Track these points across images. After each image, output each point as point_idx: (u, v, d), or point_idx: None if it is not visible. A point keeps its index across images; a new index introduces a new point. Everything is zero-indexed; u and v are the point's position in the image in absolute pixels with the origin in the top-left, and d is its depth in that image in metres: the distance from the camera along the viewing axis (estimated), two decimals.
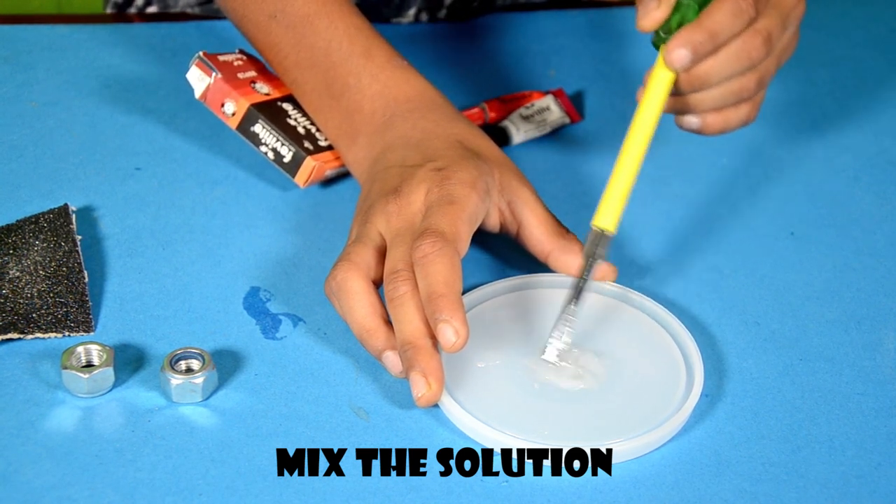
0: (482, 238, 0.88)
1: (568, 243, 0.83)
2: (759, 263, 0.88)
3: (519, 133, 0.97)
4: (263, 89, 0.92)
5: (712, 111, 0.83)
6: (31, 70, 1.02)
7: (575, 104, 1.02)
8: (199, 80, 0.91)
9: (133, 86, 1.01)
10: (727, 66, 0.81)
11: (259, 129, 0.90)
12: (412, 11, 1.09)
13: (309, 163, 0.89)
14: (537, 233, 0.83)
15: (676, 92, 0.82)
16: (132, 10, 1.13)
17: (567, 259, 0.83)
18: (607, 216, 0.78)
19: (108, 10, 1.15)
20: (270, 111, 0.91)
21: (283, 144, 0.89)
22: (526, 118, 0.98)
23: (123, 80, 1.01)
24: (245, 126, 0.90)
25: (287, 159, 0.89)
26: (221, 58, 0.92)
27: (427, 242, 0.76)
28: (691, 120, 0.84)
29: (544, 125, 0.99)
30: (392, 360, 0.76)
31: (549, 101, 1.00)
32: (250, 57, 0.95)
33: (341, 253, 0.80)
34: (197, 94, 0.91)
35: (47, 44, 1.04)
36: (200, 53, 0.91)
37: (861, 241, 0.90)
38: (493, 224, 0.84)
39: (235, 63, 0.93)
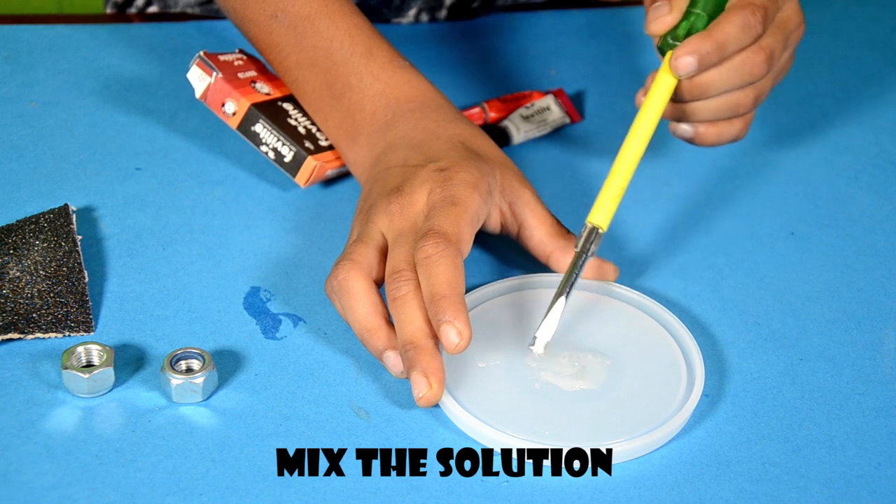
0: (483, 238, 0.88)
1: (568, 244, 0.83)
2: (759, 263, 0.88)
3: (519, 133, 0.97)
4: (264, 89, 0.92)
5: (706, 122, 0.85)
6: (31, 70, 1.02)
7: (575, 104, 1.02)
8: (199, 79, 0.91)
9: (133, 86, 1.01)
10: (728, 78, 0.82)
11: (260, 128, 0.90)
12: (412, 12, 1.09)
13: (310, 163, 0.89)
14: (538, 234, 0.83)
15: (675, 98, 0.84)
16: (132, 10, 1.13)
17: (567, 260, 0.83)
18: (601, 213, 0.79)
19: (108, 10, 1.15)
20: (271, 111, 0.91)
21: (283, 144, 0.89)
22: (526, 118, 0.98)
23: (123, 80, 1.01)
24: (246, 126, 0.90)
25: (288, 159, 0.89)
26: (222, 57, 0.92)
27: (430, 243, 0.76)
28: (685, 128, 0.86)
29: (544, 125, 0.99)
30: (393, 360, 0.76)
31: (549, 101, 1.00)
32: (251, 57, 0.95)
33: (342, 252, 0.80)
34: (197, 94, 0.91)
35: (47, 44, 1.05)
36: (201, 53, 0.91)
37: (861, 241, 0.90)
38: (494, 225, 0.84)
39: (236, 63, 0.93)
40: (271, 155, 0.90)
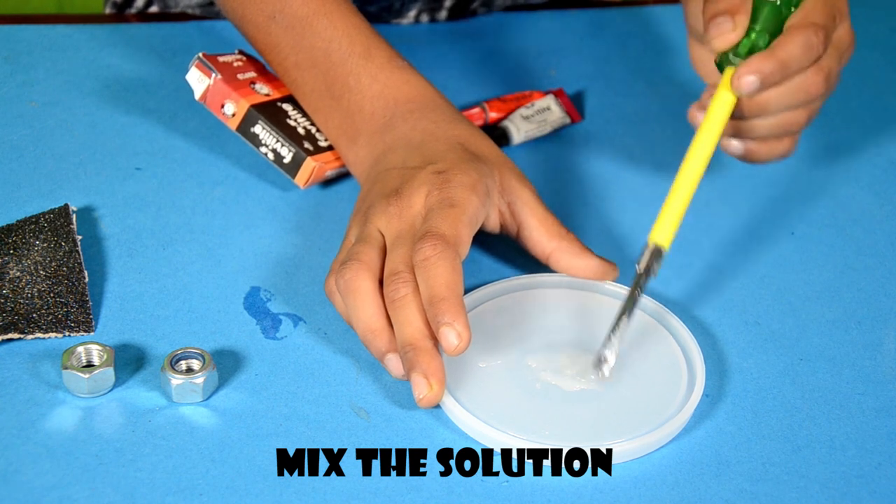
0: (483, 239, 0.88)
1: (568, 244, 0.83)
2: (759, 263, 0.88)
3: (519, 133, 0.97)
4: (263, 90, 0.92)
5: (758, 140, 0.85)
6: (31, 70, 1.02)
7: (575, 104, 1.02)
8: (198, 81, 0.91)
9: (133, 86, 1.01)
10: (788, 98, 0.82)
11: (259, 129, 0.90)
12: (412, 12, 1.09)
13: (309, 163, 0.89)
14: (537, 234, 0.83)
15: (733, 115, 0.83)
16: (133, 10, 1.13)
17: (568, 260, 0.83)
18: (663, 232, 0.78)
19: (108, 11, 1.15)
20: (270, 112, 0.91)
21: (283, 145, 0.89)
22: (526, 118, 0.98)
23: (123, 80, 1.01)
24: (245, 127, 0.90)
25: (287, 160, 0.89)
26: (221, 59, 0.92)
27: (428, 245, 0.76)
28: (736, 145, 0.85)
29: (544, 125, 0.99)
30: (394, 363, 0.76)
31: (549, 101, 1.00)
32: (250, 58, 0.95)
33: (344, 252, 0.80)
34: (197, 96, 0.91)
35: (47, 44, 1.05)
36: (200, 55, 0.91)
37: (861, 241, 0.90)
38: (494, 225, 0.84)
39: (235, 64, 0.93)
40: (270, 156, 0.90)
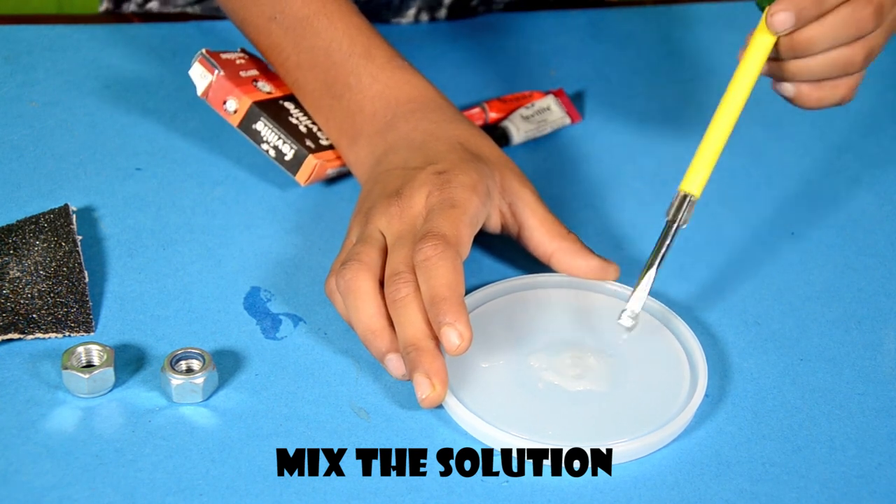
0: (485, 239, 0.88)
1: (569, 244, 0.83)
2: (759, 263, 0.88)
3: (519, 133, 0.97)
4: (265, 88, 0.92)
5: (809, 82, 0.80)
6: (32, 70, 1.02)
7: (575, 104, 1.02)
8: (201, 77, 0.91)
9: (133, 86, 1.01)
10: (833, 33, 0.78)
11: (261, 126, 0.90)
12: (412, 11, 1.09)
13: (310, 161, 0.89)
14: (538, 234, 0.83)
15: (776, 57, 0.79)
16: (132, 7, 1.13)
17: (569, 260, 0.83)
18: (694, 180, 0.78)
19: (102, 8, 1.15)
20: (272, 109, 0.91)
21: (284, 142, 0.89)
22: (526, 118, 0.98)
23: (123, 80, 1.01)
24: (247, 124, 0.90)
25: (288, 157, 0.89)
26: (224, 56, 0.92)
27: (429, 245, 0.76)
28: (787, 87, 0.82)
29: (544, 125, 0.99)
30: (395, 363, 0.76)
31: (549, 101, 1.00)
32: (252, 56, 0.95)
33: (345, 252, 0.80)
34: (199, 92, 0.91)
35: (47, 44, 1.05)
36: (203, 51, 0.91)
37: (861, 241, 0.90)
38: (495, 225, 0.84)
39: (238, 61, 0.93)
40: (272, 153, 0.90)
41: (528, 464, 0.73)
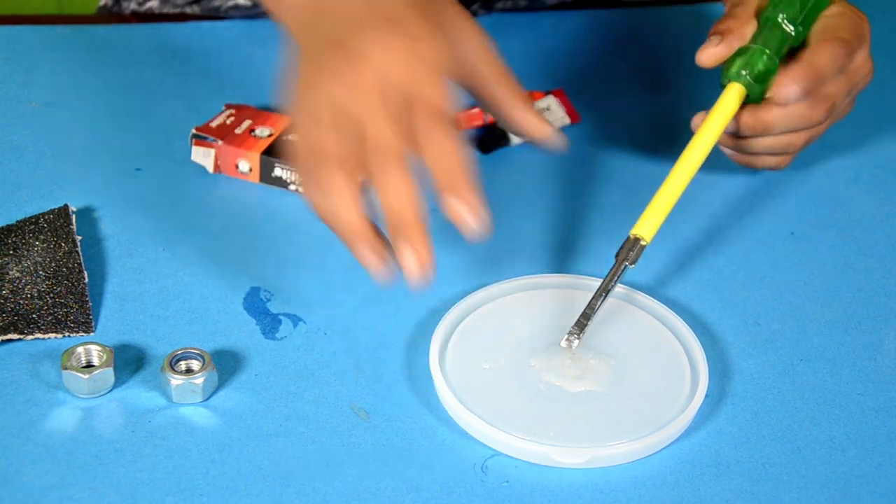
0: (490, 237, 0.88)
1: (524, 102, 0.78)
2: (759, 263, 0.88)
3: None
4: (265, 133, 0.92)
5: (754, 155, 0.89)
6: (32, 70, 1.02)
7: (575, 104, 1.02)
8: (204, 156, 0.91)
9: (133, 86, 1.01)
10: (789, 121, 0.86)
11: (279, 171, 0.90)
12: None
13: None
14: (492, 87, 0.78)
15: (734, 132, 0.87)
16: (132, 7, 1.13)
17: (527, 118, 0.78)
18: (647, 226, 0.81)
19: (101, 5, 1.15)
20: (282, 150, 0.91)
21: None
22: None
23: (123, 80, 1.01)
24: (266, 175, 0.90)
25: None
26: (213, 123, 0.92)
27: (425, 117, 0.70)
28: (730, 153, 0.91)
29: None
30: (370, 259, 0.71)
31: (549, 101, 1.00)
32: (239, 106, 0.94)
33: (301, 142, 0.73)
34: (210, 169, 0.91)
35: (47, 44, 1.05)
36: (193, 130, 0.91)
37: (861, 241, 0.90)
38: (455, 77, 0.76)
39: (228, 121, 0.93)
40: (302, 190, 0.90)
41: (529, 464, 0.73)
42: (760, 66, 0.85)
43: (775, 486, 0.73)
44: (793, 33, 0.86)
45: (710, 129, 0.84)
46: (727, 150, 0.90)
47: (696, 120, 0.87)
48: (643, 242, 0.80)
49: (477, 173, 0.70)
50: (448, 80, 0.73)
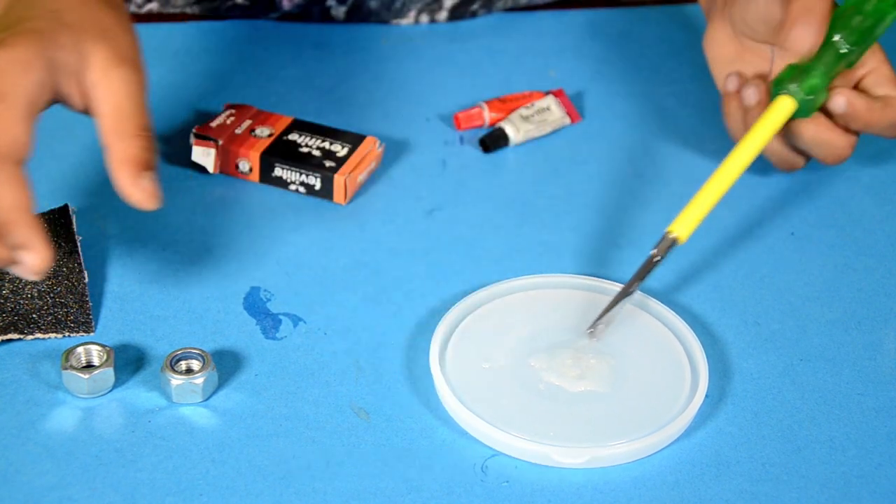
0: (487, 238, 0.88)
1: (133, 152, 0.73)
2: (759, 263, 0.88)
3: (519, 133, 0.97)
4: (265, 133, 0.92)
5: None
6: None
7: (575, 104, 1.02)
8: (204, 155, 0.91)
9: None
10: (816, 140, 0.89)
11: (279, 171, 0.90)
12: (412, 12, 1.09)
13: (339, 180, 0.89)
14: (104, 125, 0.73)
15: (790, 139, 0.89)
16: (132, 8, 1.13)
17: (122, 175, 0.74)
18: (684, 225, 0.81)
19: None
20: (281, 150, 0.91)
21: (307, 175, 0.89)
22: (526, 118, 0.98)
23: None
24: (266, 175, 0.90)
25: (318, 187, 0.90)
26: (214, 123, 0.92)
27: None
28: (839, 101, 0.88)
29: (544, 125, 0.99)
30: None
31: (549, 101, 1.00)
32: (239, 106, 0.95)
33: None
34: (211, 169, 0.91)
35: None
36: (194, 130, 0.91)
37: (861, 241, 0.90)
38: (79, 106, 0.74)
39: (228, 121, 0.93)
40: (302, 190, 0.90)
41: (529, 464, 0.73)
42: (814, 82, 0.86)
43: (775, 486, 0.73)
44: (851, 57, 0.88)
45: (757, 136, 0.85)
46: (839, 103, 0.89)
47: (743, 91, 0.88)
48: (679, 242, 0.81)
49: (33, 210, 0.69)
50: (32, 115, 0.70)
